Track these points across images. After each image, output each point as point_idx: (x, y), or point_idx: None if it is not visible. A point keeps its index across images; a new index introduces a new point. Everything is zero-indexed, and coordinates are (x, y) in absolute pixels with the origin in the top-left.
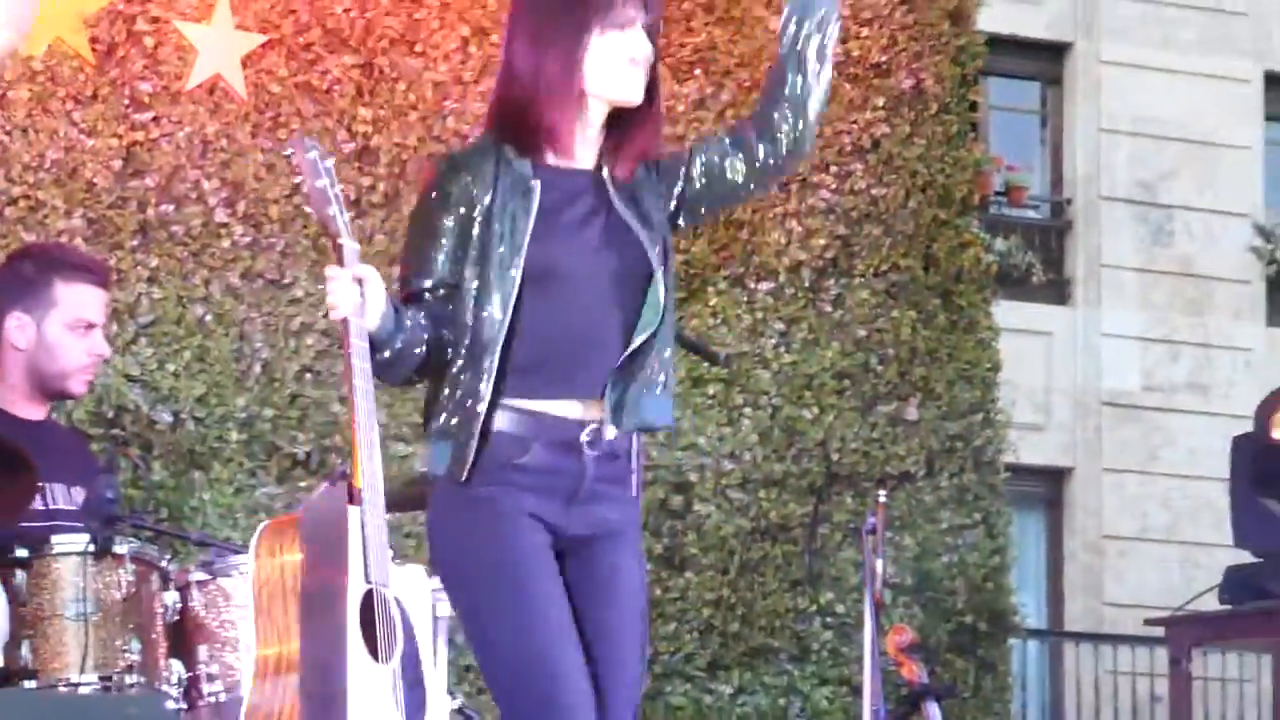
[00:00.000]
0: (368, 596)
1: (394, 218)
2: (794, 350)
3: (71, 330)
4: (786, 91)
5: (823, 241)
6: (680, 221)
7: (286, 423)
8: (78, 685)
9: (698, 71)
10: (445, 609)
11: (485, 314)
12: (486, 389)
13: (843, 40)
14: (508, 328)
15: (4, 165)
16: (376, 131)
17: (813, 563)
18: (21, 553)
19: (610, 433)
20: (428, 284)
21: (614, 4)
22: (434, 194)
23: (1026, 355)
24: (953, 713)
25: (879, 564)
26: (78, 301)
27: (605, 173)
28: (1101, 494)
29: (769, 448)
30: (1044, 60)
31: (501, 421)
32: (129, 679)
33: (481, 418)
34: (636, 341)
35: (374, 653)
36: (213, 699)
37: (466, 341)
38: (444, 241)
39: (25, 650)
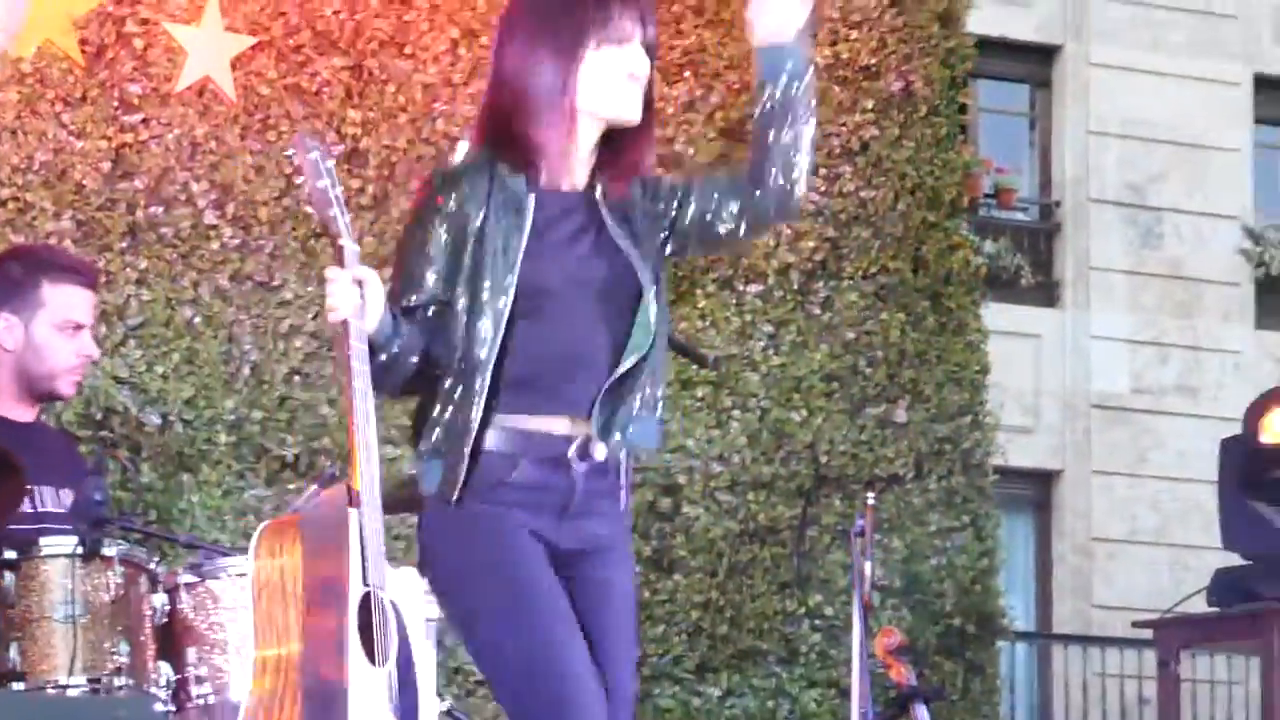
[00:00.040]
0: (365, 599)
1: (383, 220)
2: (783, 352)
3: (60, 331)
4: (773, 145)
5: (811, 244)
6: (666, 250)
7: (275, 425)
8: (66, 687)
9: (687, 74)
10: (434, 611)
11: (476, 333)
12: (478, 409)
13: (832, 43)
14: (499, 346)
15: None
16: (366, 133)
17: (801, 565)
18: (10, 555)
19: (600, 451)
20: (419, 300)
21: (611, 18)
22: (427, 208)
23: (1015, 357)
24: (941, 715)
25: (867, 566)
26: (65, 303)
27: (598, 191)
28: (1090, 496)
29: (757, 450)
30: (1033, 63)
31: (491, 440)
32: (117, 681)
33: (472, 437)
34: (626, 364)
35: (370, 655)
36: (201, 701)
37: (457, 358)
38: (436, 258)
39: (13, 652)
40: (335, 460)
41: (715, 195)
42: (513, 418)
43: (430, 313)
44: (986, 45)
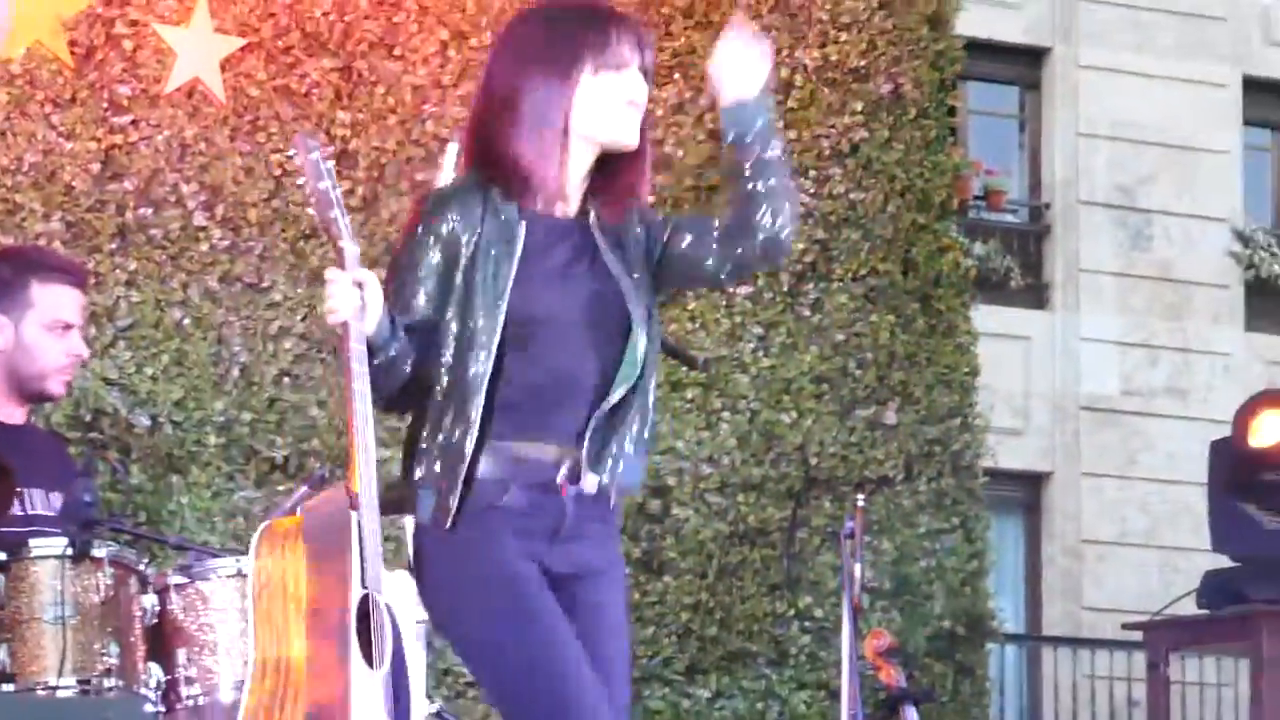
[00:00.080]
0: (363, 602)
1: (372, 221)
2: (772, 354)
3: (49, 331)
4: (753, 194)
5: (801, 246)
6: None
7: (264, 426)
8: (56, 688)
9: (676, 76)
10: (424, 613)
11: (467, 358)
12: (471, 437)
13: (821, 45)
14: (490, 373)
15: None
16: (355, 135)
17: (791, 567)
18: None
19: (590, 484)
20: (409, 321)
21: (609, 44)
22: (420, 229)
23: (1005, 360)
24: (930, 717)
25: (857, 568)
26: (55, 302)
27: (591, 217)
28: (1080, 498)
29: (747, 452)
30: (1022, 65)
31: (482, 466)
32: (107, 682)
33: (466, 465)
34: (615, 395)
35: (368, 658)
36: (191, 702)
37: (445, 384)
38: (426, 280)
39: (3, 654)
40: (325, 462)
41: (703, 235)
42: (503, 443)
43: (421, 332)
44: (975, 47)
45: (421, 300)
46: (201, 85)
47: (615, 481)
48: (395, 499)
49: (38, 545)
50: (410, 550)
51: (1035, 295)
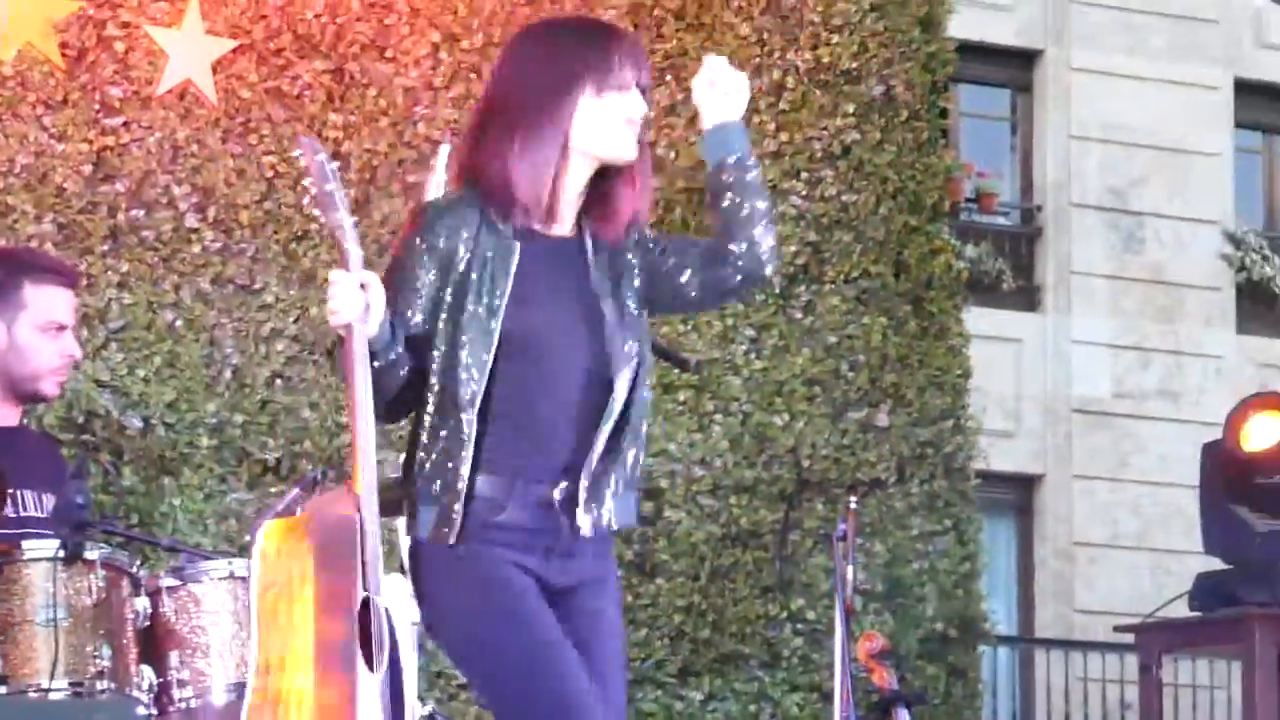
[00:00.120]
0: (362, 604)
1: (364, 223)
2: (764, 357)
3: (43, 332)
4: (736, 220)
5: (793, 248)
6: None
7: (257, 428)
8: (48, 691)
9: (668, 78)
10: (417, 616)
11: (460, 375)
12: (466, 459)
13: (813, 47)
14: (484, 391)
15: None
16: (347, 137)
17: (783, 569)
18: None
19: (585, 523)
20: (404, 332)
21: (611, 65)
22: (416, 241)
23: (997, 362)
24: (923, 719)
25: (849, 570)
26: (48, 303)
27: (586, 236)
28: (1072, 501)
29: (740, 454)
30: (1014, 67)
31: (479, 485)
32: (99, 685)
33: (465, 484)
34: (603, 431)
35: (367, 660)
36: (183, 705)
37: (438, 401)
38: (421, 293)
39: None
40: (317, 464)
41: (686, 257)
42: (499, 463)
43: (413, 345)
44: (967, 50)
45: (416, 313)
46: (193, 87)
47: (602, 516)
48: (390, 500)
49: (30, 547)
50: (405, 557)
51: (1027, 298)
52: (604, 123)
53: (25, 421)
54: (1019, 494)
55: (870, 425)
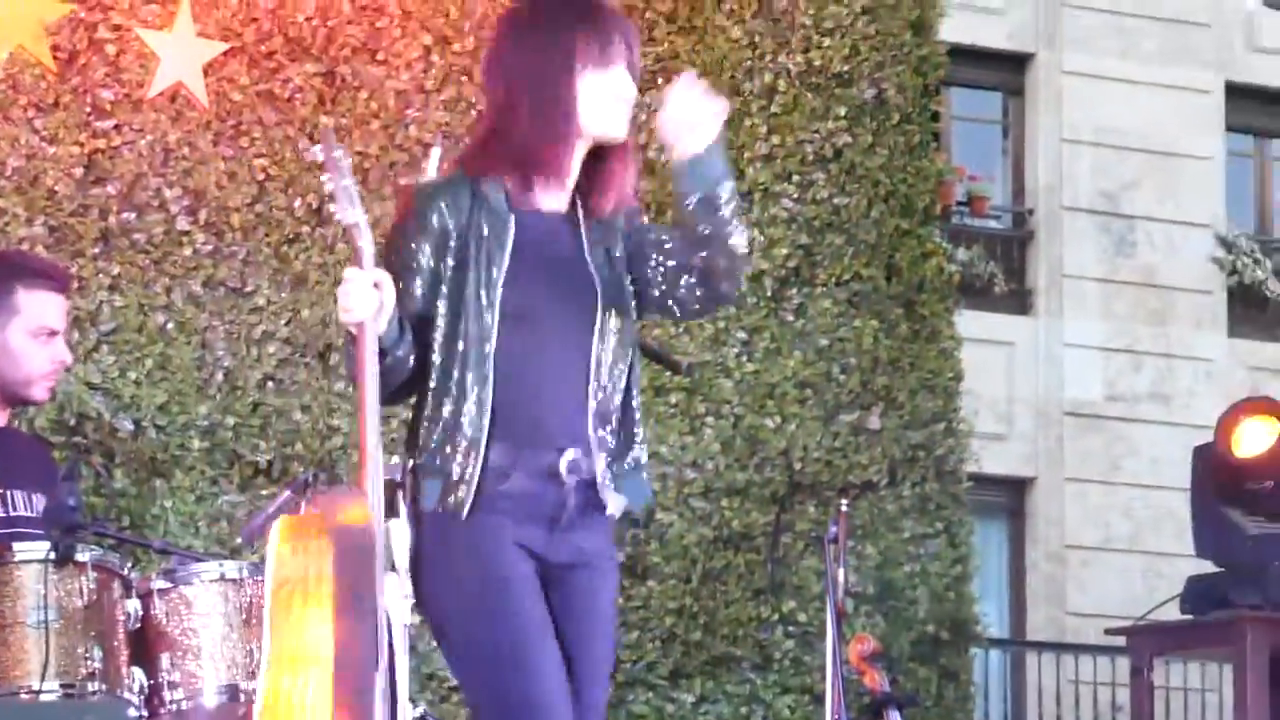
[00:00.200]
0: None
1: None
2: (756, 359)
3: (34, 337)
4: (710, 251)
5: (785, 251)
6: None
7: (248, 431)
8: (39, 693)
9: (660, 81)
10: (410, 616)
11: (462, 351)
12: (482, 426)
13: (805, 50)
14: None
15: None
16: (338, 140)
17: (775, 571)
18: None
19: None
20: (405, 313)
21: (601, 43)
22: (410, 223)
23: (988, 365)
24: None
25: (841, 573)
26: (40, 309)
27: (580, 213)
28: (1064, 504)
29: (731, 457)
30: (1006, 71)
31: (488, 453)
32: (90, 686)
33: (481, 457)
34: (594, 399)
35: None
36: (174, 707)
37: (440, 377)
38: (419, 274)
39: None
40: (308, 466)
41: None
42: (504, 432)
43: (415, 325)
44: (959, 53)
45: (415, 296)
46: (184, 90)
47: (619, 495)
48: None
49: (20, 549)
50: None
51: (1019, 301)
52: (595, 100)
53: (16, 423)
54: (1011, 497)
55: (862, 428)
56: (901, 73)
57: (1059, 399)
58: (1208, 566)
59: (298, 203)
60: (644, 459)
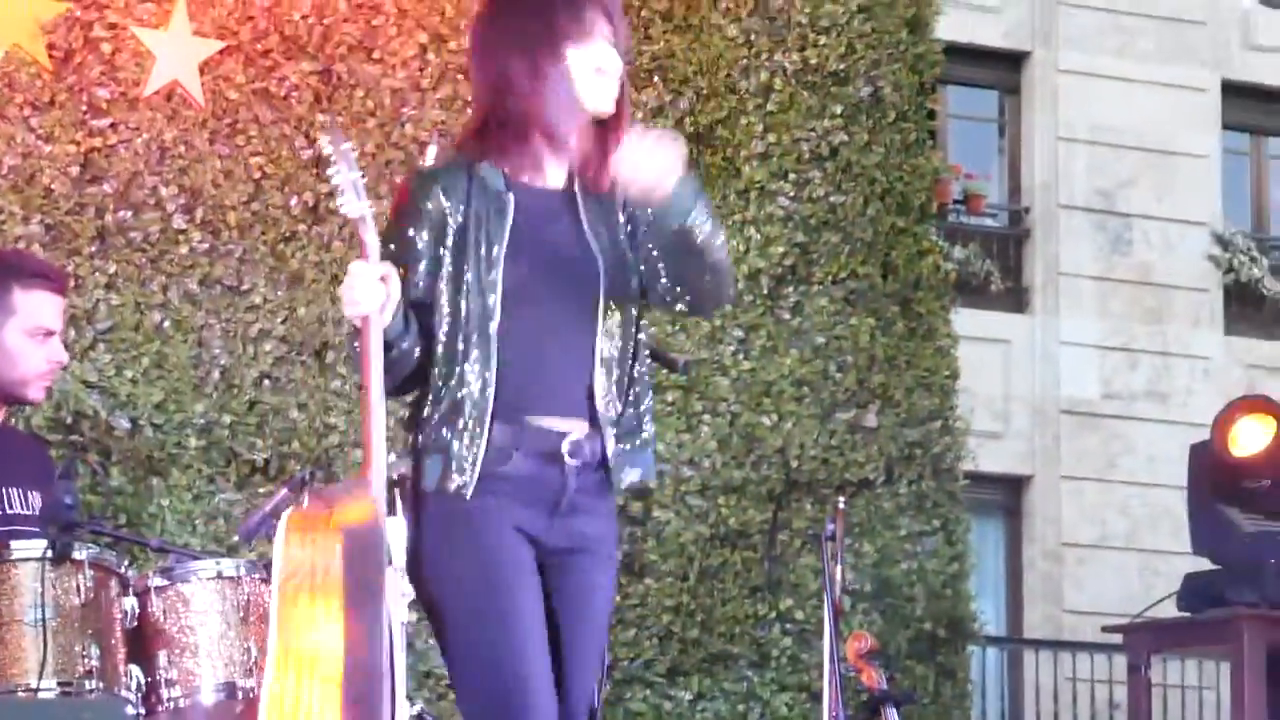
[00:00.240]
0: None
1: (352, 223)
2: (753, 357)
3: (31, 338)
4: (692, 270)
5: (781, 249)
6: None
7: (245, 429)
8: (36, 690)
9: (656, 79)
10: (408, 614)
11: (464, 331)
12: (485, 404)
13: (801, 48)
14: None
15: None
16: None
17: (772, 569)
18: None
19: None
20: (410, 299)
21: (576, 21)
22: (408, 209)
23: (985, 363)
24: (912, 719)
25: (838, 571)
26: (36, 309)
27: (577, 188)
28: (1060, 502)
29: (728, 454)
30: (1002, 69)
31: (491, 432)
32: (88, 684)
33: (485, 436)
34: (600, 375)
35: None
36: (171, 704)
37: (444, 356)
38: (420, 259)
39: None
40: (305, 464)
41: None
42: (508, 412)
43: (417, 312)
44: (955, 51)
45: (416, 284)
46: (180, 88)
47: (630, 473)
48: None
49: (18, 547)
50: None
51: (1015, 299)
52: (579, 74)
53: (12, 421)
54: (1007, 495)
55: (858, 426)
56: (897, 71)
57: (1055, 397)
58: (1204, 564)
59: (294, 201)
60: (652, 434)
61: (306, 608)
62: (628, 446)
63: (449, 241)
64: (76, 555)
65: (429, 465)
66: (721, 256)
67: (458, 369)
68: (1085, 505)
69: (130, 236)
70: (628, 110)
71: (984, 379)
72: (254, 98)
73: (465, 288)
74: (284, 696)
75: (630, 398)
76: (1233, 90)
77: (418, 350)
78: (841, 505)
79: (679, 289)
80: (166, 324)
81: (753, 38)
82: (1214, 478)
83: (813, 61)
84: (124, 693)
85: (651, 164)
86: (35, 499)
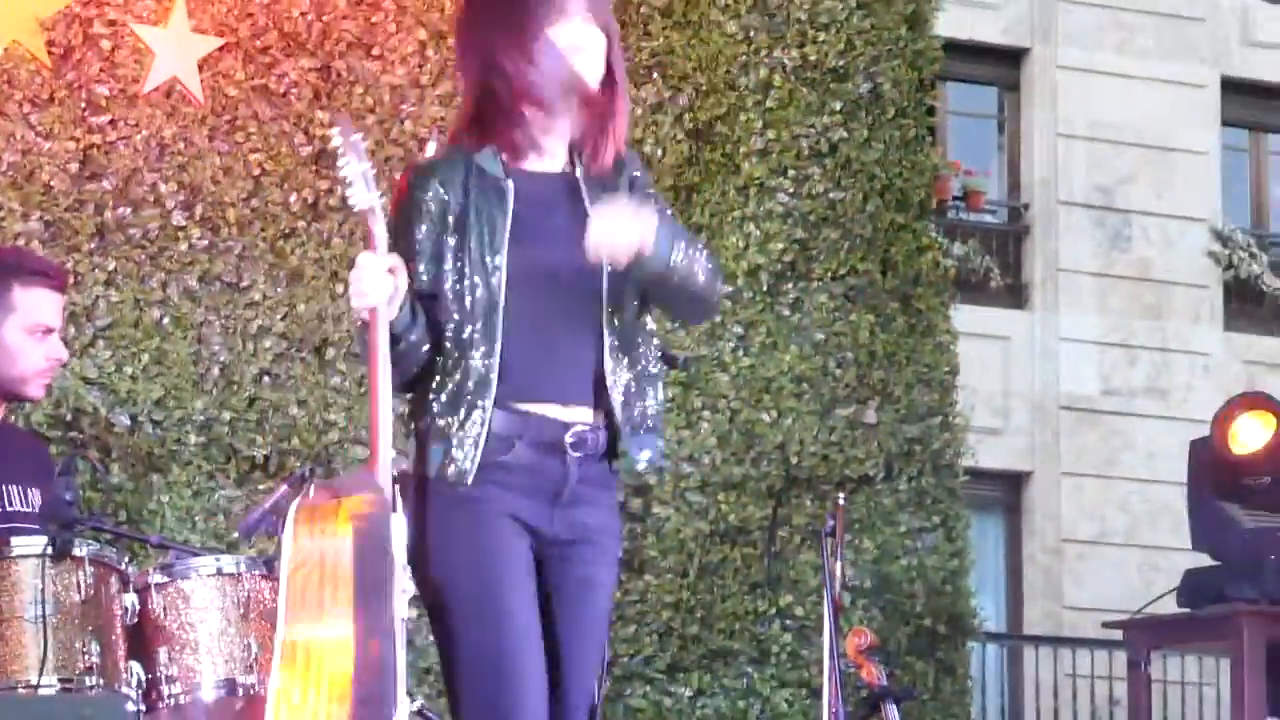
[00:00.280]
0: None
1: (351, 220)
2: (752, 353)
3: (30, 335)
4: (670, 295)
5: (781, 245)
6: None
7: (245, 425)
8: (37, 687)
9: (655, 75)
10: (408, 610)
11: (468, 320)
12: (489, 390)
13: (800, 44)
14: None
15: None
16: None
17: (772, 566)
18: None
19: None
20: (421, 310)
21: (551, 1)
22: (407, 203)
23: (985, 359)
24: (912, 715)
25: (838, 567)
26: (36, 306)
27: (578, 171)
28: (1060, 498)
29: (728, 451)
30: (1001, 65)
31: (493, 420)
32: (88, 681)
33: (487, 423)
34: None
35: None
36: (172, 701)
37: (449, 347)
38: (421, 252)
39: None
40: (305, 460)
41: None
42: (511, 401)
43: (423, 304)
44: (954, 48)
45: (420, 275)
46: (179, 85)
47: (635, 455)
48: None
49: (18, 544)
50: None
51: (1014, 295)
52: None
53: (12, 419)
54: (1007, 491)
55: (858, 422)
56: (897, 67)
57: (1055, 393)
58: (1204, 560)
59: (293, 198)
60: (660, 415)
61: (315, 598)
62: (635, 425)
63: (450, 232)
64: (77, 552)
65: (432, 452)
66: (702, 284)
67: (462, 354)
68: (1085, 501)
69: (129, 233)
70: (623, 83)
71: (984, 375)
72: (253, 94)
73: (469, 275)
74: (290, 691)
75: (638, 386)
76: (1232, 86)
77: (426, 344)
78: (841, 501)
79: (663, 310)
80: (166, 321)
81: (752, 34)
82: (1214, 474)
83: (812, 58)
84: (124, 689)
85: (625, 236)
86: (35, 496)
